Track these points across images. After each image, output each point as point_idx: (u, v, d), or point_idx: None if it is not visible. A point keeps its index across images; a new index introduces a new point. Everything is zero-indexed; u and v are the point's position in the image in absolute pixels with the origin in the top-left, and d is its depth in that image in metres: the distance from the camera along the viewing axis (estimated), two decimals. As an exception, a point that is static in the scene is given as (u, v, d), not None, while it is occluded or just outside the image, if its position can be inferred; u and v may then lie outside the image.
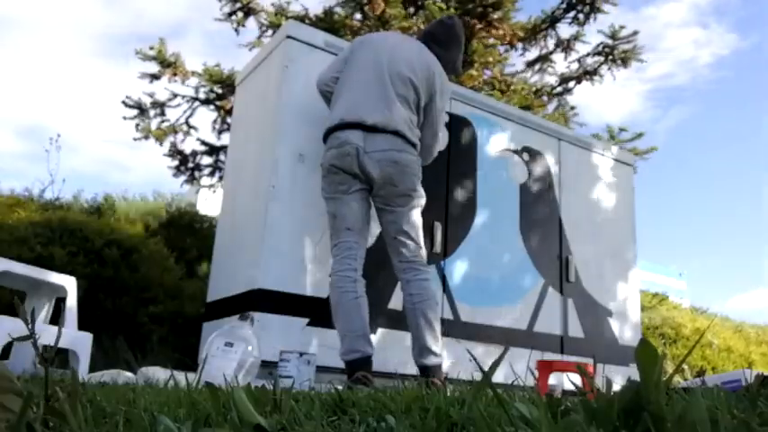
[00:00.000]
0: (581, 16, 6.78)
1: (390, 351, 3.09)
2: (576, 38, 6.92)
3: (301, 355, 2.39)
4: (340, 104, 2.64)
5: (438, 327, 2.55)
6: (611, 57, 6.85)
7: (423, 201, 2.66)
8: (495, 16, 6.22)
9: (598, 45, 6.90)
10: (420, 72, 2.69)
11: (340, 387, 1.57)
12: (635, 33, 6.71)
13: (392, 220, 2.59)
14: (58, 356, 2.99)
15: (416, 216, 2.63)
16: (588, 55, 7.01)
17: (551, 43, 7.05)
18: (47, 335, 2.51)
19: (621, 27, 6.70)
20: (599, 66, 6.95)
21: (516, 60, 7.27)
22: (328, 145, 2.60)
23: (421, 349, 2.50)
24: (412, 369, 2.96)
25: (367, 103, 2.58)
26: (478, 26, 6.23)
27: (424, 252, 2.62)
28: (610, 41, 6.80)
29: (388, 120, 2.54)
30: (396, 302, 3.19)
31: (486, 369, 0.63)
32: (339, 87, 2.71)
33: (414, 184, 2.59)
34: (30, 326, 0.68)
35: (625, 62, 6.84)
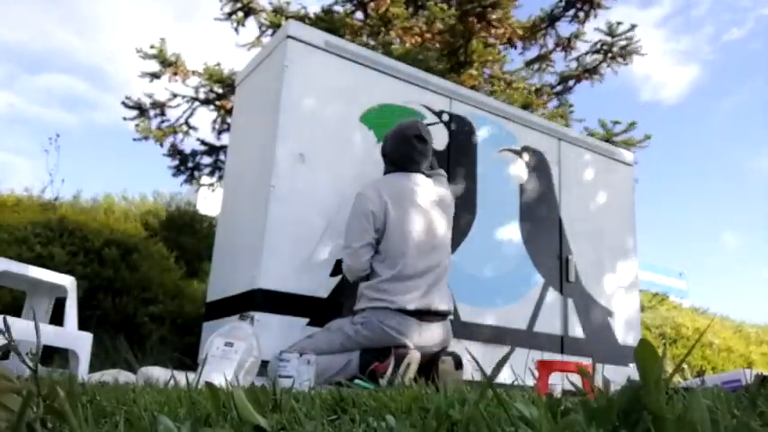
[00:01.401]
0: (581, 14, 6.78)
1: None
2: (576, 36, 6.92)
3: (301, 355, 2.39)
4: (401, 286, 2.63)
5: None
6: (609, 54, 6.86)
7: None
8: (495, 16, 6.22)
9: (596, 43, 6.90)
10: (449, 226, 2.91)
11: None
12: (632, 28, 6.71)
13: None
14: (58, 356, 2.99)
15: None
16: (587, 53, 7.01)
17: (551, 42, 7.06)
18: (47, 335, 2.51)
19: (619, 23, 6.71)
20: (598, 64, 6.96)
21: (516, 59, 7.26)
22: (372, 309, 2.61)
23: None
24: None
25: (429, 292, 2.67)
26: (478, 26, 6.23)
27: None
28: (608, 39, 6.80)
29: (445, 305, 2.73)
30: (396, 302, 3.19)
31: (485, 369, 0.63)
32: (393, 271, 2.65)
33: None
34: (7, 333, 0.68)
35: (625, 58, 6.85)
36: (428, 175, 2.97)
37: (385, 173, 2.97)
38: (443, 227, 2.86)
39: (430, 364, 2.54)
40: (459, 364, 2.59)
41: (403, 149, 2.88)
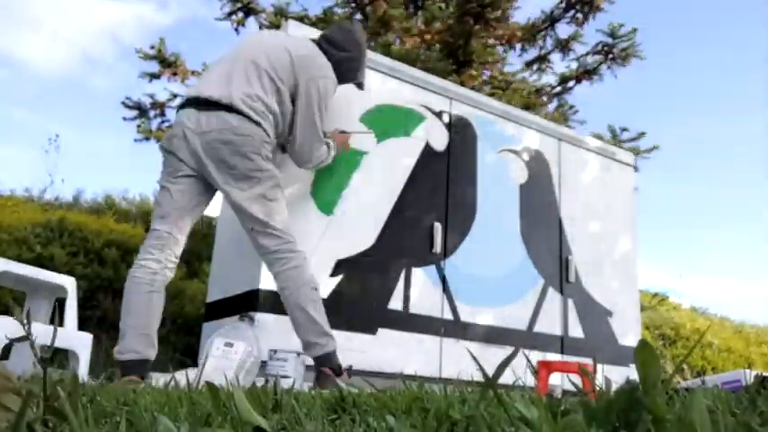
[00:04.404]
0: (580, 16, 6.79)
1: (391, 351, 3.09)
2: (573, 38, 6.93)
3: (298, 355, 2.39)
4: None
5: (317, 313, 2.39)
6: (610, 55, 6.87)
7: (274, 179, 2.41)
8: (493, 16, 6.20)
9: (597, 44, 6.91)
10: (281, 55, 2.49)
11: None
12: (634, 31, 6.73)
13: (240, 209, 2.36)
14: (58, 356, 2.99)
15: (270, 198, 2.38)
16: (588, 54, 7.02)
17: (550, 44, 7.08)
18: (47, 335, 2.51)
19: (621, 25, 6.72)
20: (599, 65, 6.97)
21: (515, 61, 7.29)
22: None
23: (305, 345, 2.38)
24: (411, 369, 2.96)
25: (209, 78, 2.44)
26: (476, 26, 6.23)
27: (289, 236, 2.40)
28: (609, 40, 6.81)
29: (224, 94, 2.33)
30: (396, 303, 3.19)
31: (485, 369, 0.63)
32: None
33: (255, 163, 2.34)
34: (27, 327, 0.68)
35: (625, 60, 6.86)
36: None
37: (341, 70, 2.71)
38: (255, 66, 2.55)
39: None
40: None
41: (361, 56, 2.78)
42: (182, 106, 2.43)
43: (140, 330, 2.17)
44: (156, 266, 2.25)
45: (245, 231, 2.44)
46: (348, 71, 2.74)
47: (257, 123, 2.34)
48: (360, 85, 2.89)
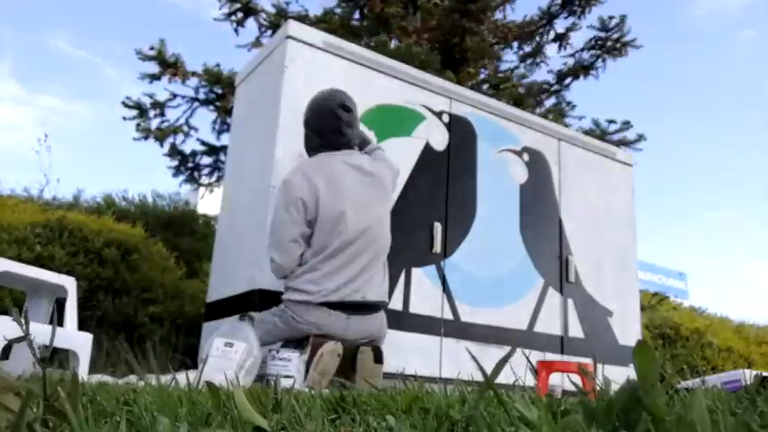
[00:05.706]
0: (577, 9, 6.79)
1: (391, 351, 3.09)
2: (570, 29, 6.93)
3: (300, 354, 2.39)
4: (329, 278, 2.44)
5: None
6: (605, 48, 6.88)
7: None
8: (475, 8, 6.13)
9: (591, 39, 6.93)
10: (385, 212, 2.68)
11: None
12: (622, 20, 6.73)
13: None
14: (58, 357, 2.99)
15: None
16: (583, 50, 7.04)
17: (547, 40, 7.09)
18: (46, 335, 2.51)
19: (610, 17, 6.74)
20: (595, 60, 6.98)
21: (512, 58, 7.29)
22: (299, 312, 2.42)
23: None
24: (411, 369, 2.96)
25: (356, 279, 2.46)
26: (466, 23, 6.20)
27: None
28: (602, 34, 6.83)
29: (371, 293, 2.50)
30: (396, 303, 3.19)
31: (485, 369, 0.63)
32: (319, 256, 2.46)
33: None
34: (25, 327, 0.68)
35: (620, 51, 6.87)
36: (364, 152, 2.77)
37: (309, 150, 2.72)
38: (378, 208, 2.61)
39: (352, 355, 2.38)
40: (378, 358, 2.41)
41: (328, 123, 2.61)
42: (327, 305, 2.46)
43: None
44: None
45: None
46: (313, 137, 2.69)
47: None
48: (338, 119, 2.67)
